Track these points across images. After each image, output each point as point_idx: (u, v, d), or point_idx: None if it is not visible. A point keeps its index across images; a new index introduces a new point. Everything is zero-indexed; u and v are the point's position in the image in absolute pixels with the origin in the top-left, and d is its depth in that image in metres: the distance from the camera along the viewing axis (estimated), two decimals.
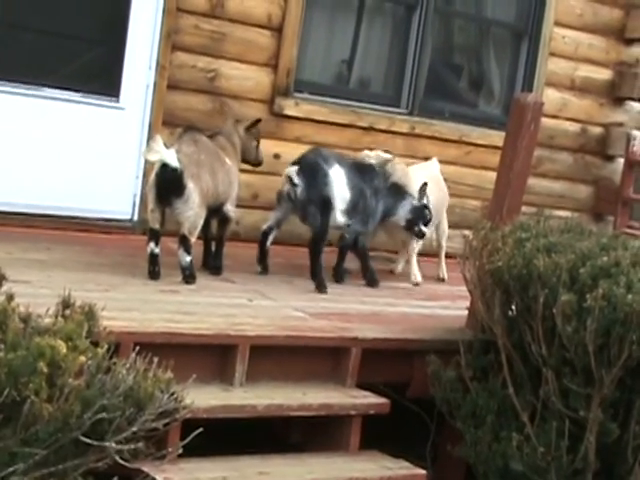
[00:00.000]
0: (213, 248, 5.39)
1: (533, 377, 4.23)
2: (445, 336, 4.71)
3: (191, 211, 4.84)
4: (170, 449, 3.40)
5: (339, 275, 5.74)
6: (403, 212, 5.85)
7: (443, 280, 6.34)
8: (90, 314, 3.35)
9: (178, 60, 6.28)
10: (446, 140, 7.29)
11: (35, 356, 2.65)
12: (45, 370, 2.63)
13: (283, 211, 5.58)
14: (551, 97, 7.81)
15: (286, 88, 6.66)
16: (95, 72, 6.19)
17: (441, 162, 7.23)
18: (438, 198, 6.22)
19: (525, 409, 4.20)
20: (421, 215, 5.86)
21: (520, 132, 4.89)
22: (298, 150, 6.58)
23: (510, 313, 4.33)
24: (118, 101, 6.10)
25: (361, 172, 5.72)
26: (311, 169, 5.48)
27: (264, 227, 5.60)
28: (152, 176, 4.89)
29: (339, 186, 5.53)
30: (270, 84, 6.63)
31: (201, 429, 3.30)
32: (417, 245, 6.08)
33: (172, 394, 3.04)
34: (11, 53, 5.82)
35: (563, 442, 4.02)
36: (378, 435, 4.38)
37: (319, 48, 7.04)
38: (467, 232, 4.80)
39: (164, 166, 4.77)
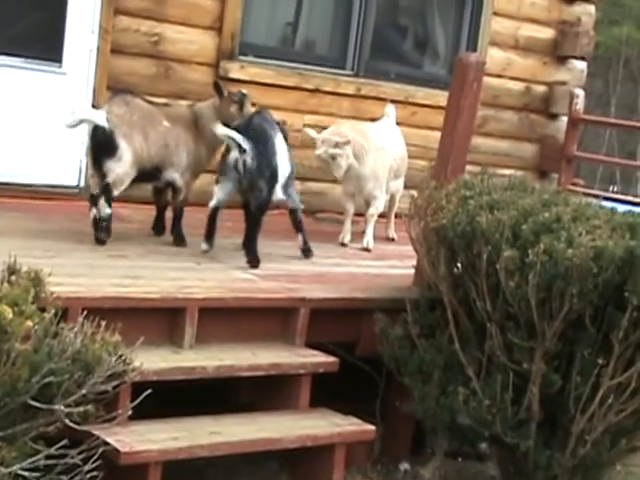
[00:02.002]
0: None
1: (479, 332, 4.31)
2: (392, 294, 4.77)
3: (121, 169, 4.86)
4: (120, 411, 3.43)
5: (308, 251, 5.44)
6: None
7: (392, 240, 6.38)
8: (36, 280, 3.35)
9: (121, 24, 6.23)
10: (392, 101, 7.30)
11: None
12: None
13: (231, 182, 5.02)
14: (495, 57, 7.89)
15: (231, 51, 6.64)
16: (36, 37, 6.10)
17: None
18: (399, 153, 6.27)
19: (471, 364, 4.29)
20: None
21: (463, 91, 4.94)
22: None
23: (455, 270, 4.40)
24: (61, 66, 6.05)
25: (285, 139, 5.31)
26: (259, 135, 5.01)
27: (212, 203, 5.07)
28: (87, 140, 4.94)
29: (282, 157, 5.15)
30: (215, 47, 6.61)
31: (150, 391, 3.32)
32: (376, 210, 6.04)
33: (120, 356, 3.07)
34: None
35: (507, 394, 4.12)
36: (328, 393, 4.45)
37: (264, 11, 7.01)
38: (414, 192, 4.86)
39: (96, 128, 4.79)
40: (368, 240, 6.00)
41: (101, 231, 4.89)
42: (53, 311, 3.07)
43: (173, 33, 6.44)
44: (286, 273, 4.99)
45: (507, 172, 7.85)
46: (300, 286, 4.71)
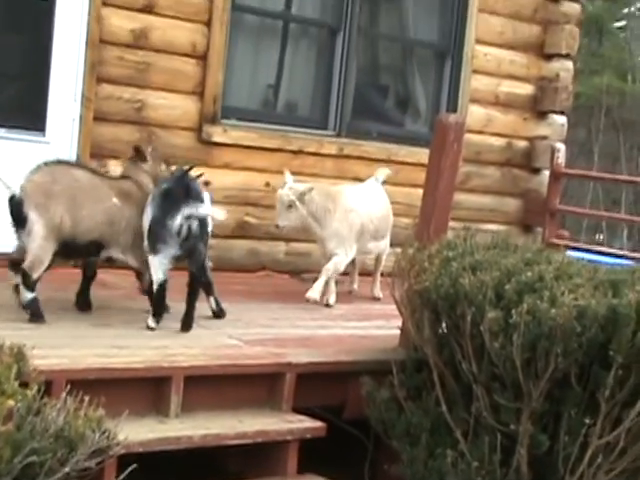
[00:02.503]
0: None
1: (465, 394, 4.30)
2: (378, 356, 4.76)
3: (34, 243, 4.58)
4: None
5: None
6: None
7: (378, 299, 6.38)
8: (20, 355, 3.34)
9: (104, 92, 6.29)
10: (374, 160, 7.37)
11: None
12: None
13: (173, 249, 4.75)
14: (476, 113, 7.99)
15: (213, 115, 6.70)
16: (19, 106, 6.18)
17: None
18: (378, 214, 6.27)
19: (458, 426, 4.27)
20: None
21: (444, 151, 4.98)
22: (228, 176, 6.68)
23: (440, 331, 4.40)
24: (44, 135, 6.09)
25: None
26: (197, 197, 4.81)
27: (161, 278, 4.77)
28: None
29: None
30: (197, 112, 6.67)
31: (135, 465, 3.30)
32: (333, 266, 5.93)
33: (104, 432, 3.05)
34: None
35: (495, 456, 4.10)
36: (316, 458, 4.42)
37: (245, 74, 7.09)
38: (399, 250, 4.88)
39: (12, 197, 4.59)
40: (315, 291, 5.79)
41: (33, 318, 4.59)
42: (36, 387, 3.06)
43: (156, 99, 6.50)
44: (272, 337, 4.98)
45: (492, 227, 7.96)
46: (286, 351, 4.70)
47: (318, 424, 4.43)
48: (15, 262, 4.70)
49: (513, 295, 4.10)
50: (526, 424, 4.07)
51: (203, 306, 5.51)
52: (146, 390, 4.19)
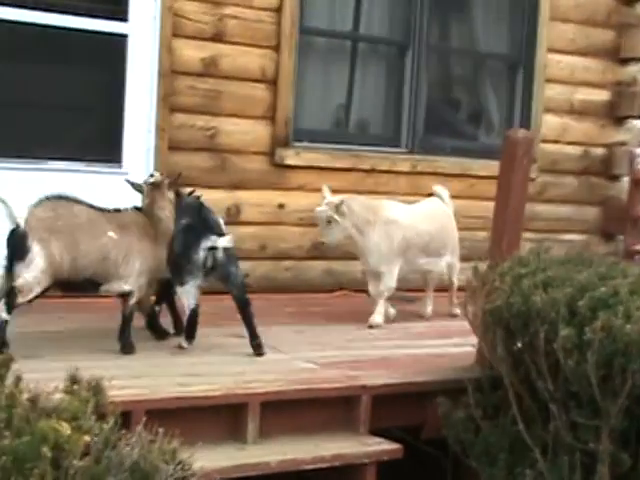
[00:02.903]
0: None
1: (543, 412, 4.25)
2: (455, 375, 4.73)
3: (31, 273, 4.49)
4: None
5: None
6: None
7: (455, 316, 6.35)
8: (97, 388, 3.42)
9: (177, 121, 6.41)
10: (448, 175, 7.36)
11: (39, 441, 2.73)
12: (49, 454, 2.70)
13: (200, 279, 4.91)
14: (551, 123, 7.91)
15: (285, 138, 6.77)
16: (96, 140, 6.34)
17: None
18: (433, 227, 6.18)
19: (537, 444, 4.23)
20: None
21: (513, 167, 4.95)
22: (302, 198, 6.73)
23: (515, 349, 4.37)
24: (121, 167, 6.23)
25: None
26: (214, 224, 5.01)
27: (193, 304, 4.91)
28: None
29: None
30: (269, 136, 6.75)
31: None
32: (385, 287, 5.88)
33: (178, 463, 3.11)
34: (11, 130, 5.97)
35: (575, 476, 4.05)
36: (395, 478, 4.44)
37: (315, 95, 7.15)
38: (479, 264, 4.86)
39: (14, 229, 4.51)
40: (374, 317, 5.83)
41: None
42: (112, 421, 3.13)
43: (228, 125, 6.60)
44: (348, 359, 5.00)
45: (571, 237, 7.87)
46: (361, 373, 4.71)
47: (395, 446, 4.44)
48: None
49: (587, 311, 4.05)
50: (606, 442, 4.02)
51: (282, 330, 5.59)
52: (224, 417, 4.25)
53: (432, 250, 6.17)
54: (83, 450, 2.92)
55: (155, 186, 5.08)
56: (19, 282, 4.49)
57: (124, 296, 4.84)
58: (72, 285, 4.76)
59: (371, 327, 5.79)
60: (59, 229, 4.60)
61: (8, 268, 4.54)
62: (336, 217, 5.74)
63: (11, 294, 4.50)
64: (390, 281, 5.91)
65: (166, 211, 5.04)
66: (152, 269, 4.90)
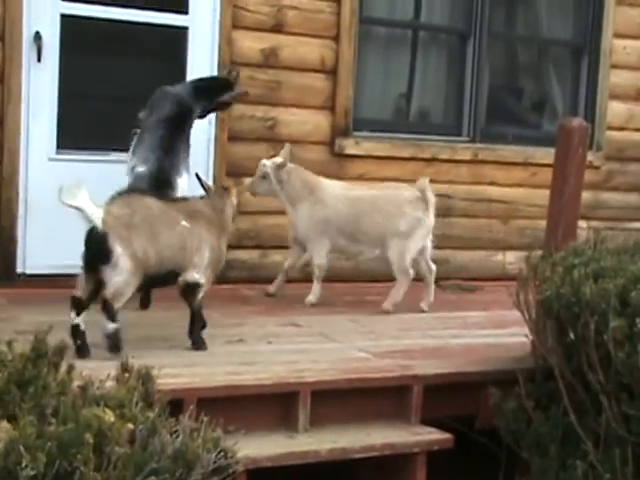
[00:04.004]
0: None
1: (595, 404, 4.21)
2: (507, 366, 4.72)
3: (119, 277, 4.40)
4: None
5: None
6: None
7: (423, 311, 6.03)
8: (146, 377, 3.50)
9: (237, 112, 6.47)
10: (510, 163, 7.31)
11: (83, 428, 2.82)
12: (91, 441, 2.79)
13: None
14: (617, 109, 7.80)
15: (345, 128, 6.80)
16: None
17: (508, 185, 7.30)
18: (359, 218, 5.98)
19: (588, 436, 4.19)
20: None
21: (568, 157, 4.91)
22: None
23: (568, 340, 4.34)
24: None
25: None
26: None
27: None
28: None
29: None
30: (329, 126, 6.78)
31: None
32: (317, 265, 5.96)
33: (220, 451, 3.17)
34: (75, 122, 6.11)
35: (627, 468, 4.00)
36: (448, 469, 4.45)
37: (375, 85, 7.15)
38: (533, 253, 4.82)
39: (92, 229, 4.40)
40: (309, 297, 5.95)
41: (112, 349, 4.41)
42: (157, 409, 3.21)
43: (287, 116, 6.65)
44: (401, 349, 5.02)
45: (638, 225, 7.75)
46: (414, 362, 4.73)
47: (446, 436, 4.45)
48: (78, 301, 4.49)
49: (638, 302, 4.00)
50: None
51: (337, 319, 5.64)
52: (275, 406, 4.31)
53: (359, 236, 6.01)
54: (128, 437, 3.01)
55: (227, 188, 5.13)
56: (109, 289, 4.40)
57: (192, 289, 4.73)
58: (158, 279, 4.68)
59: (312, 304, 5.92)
60: (137, 225, 4.52)
61: (89, 269, 4.46)
62: (272, 176, 5.90)
63: (107, 306, 4.41)
64: (317, 259, 5.97)
65: (228, 206, 5.03)
66: (216, 262, 4.85)
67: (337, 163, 6.79)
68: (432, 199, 6.01)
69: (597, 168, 7.58)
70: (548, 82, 7.82)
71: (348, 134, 6.81)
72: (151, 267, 4.53)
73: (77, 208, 4.40)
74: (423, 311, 6.01)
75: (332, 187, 6.06)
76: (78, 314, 4.46)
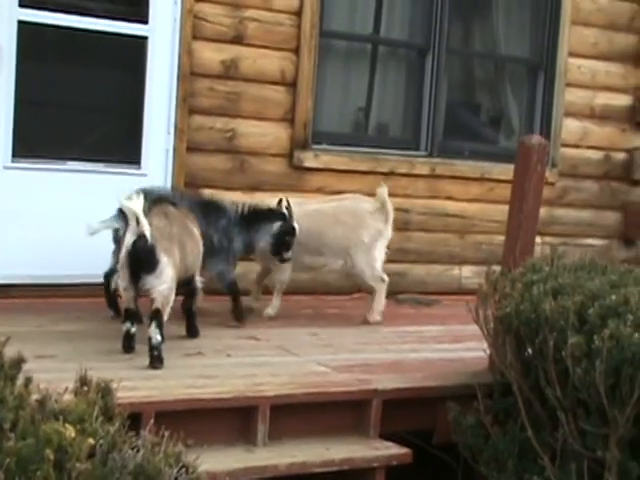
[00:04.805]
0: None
1: (552, 419, 4.25)
2: (466, 381, 4.75)
3: (165, 284, 4.60)
4: None
5: (240, 316, 5.68)
6: (265, 242, 5.72)
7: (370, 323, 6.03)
8: (106, 390, 3.46)
9: (196, 123, 6.45)
10: (467, 178, 7.37)
11: (43, 443, 2.77)
12: (52, 457, 2.74)
13: None
14: (571, 127, 7.90)
15: (304, 141, 6.80)
16: (115, 141, 6.39)
17: (464, 200, 7.36)
18: (334, 232, 6.01)
19: (545, 451, 4.22)
20: (281, 242, 5.70)
21: (527, 174, 4.95)
22: None
23: (526, 355, 4.37)
24: (140, 168, 6.29)
25: (205, 214, 5.54)
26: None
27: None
28: (123, 252, 4.62)
29: None
30: (288, 138, 6.78)
31: None
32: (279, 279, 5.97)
33: (182, 467, 3.14)
34: (31, 130, 6.04)
35: None
36: None
37: (335, 98, 7.18)
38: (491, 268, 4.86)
39: (136, 241, 4.53)
40: (267, 310, 5.98)
41: (155, 361, 4.53)
42: (118, 423, 3.17)
43: (247, 127, 6.63)
44: (360, 363, 5.03)
45: (591, 242, 7.85)
46: (373, 377, 4.74)
47: (404, 450, 4.45)
48: (132, 312, 4.73)
49: (596, 319, 4.04)
50: (614, 450, 4.01)
51: (296, 332, 5.63)
52: (234, 419, 4.28)
53: (323, 250, 6.04)
54: (88, 452, 2.97)
55: None
56: (158, 298, 4.57)
57: (194, 292, 5.08)
58: (181, 285, 4.87)
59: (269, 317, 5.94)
60: (174, 235, 4.74)
61: (133, 280, 4.61)
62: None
63: (157, 316, 4.56)
64: (280, 275, 5.97)
65: None
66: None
67: (296, 176, 6.79)
68: (391, 210, 6.03)
69: (552, 184, 7.66)
70: (505, 99, 7.90)
71: (307, 147, 6.81)
72: (182, 274, 4.80)
73: (132, 212, 4.52)
74: (368, 322, 6.00)
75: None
76: (132, 323, 4.74)
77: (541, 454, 4.22)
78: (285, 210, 5.72)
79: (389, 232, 6.05)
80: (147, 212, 4.68)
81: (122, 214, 4.88)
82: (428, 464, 4.74)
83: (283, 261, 5.79)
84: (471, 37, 7.85)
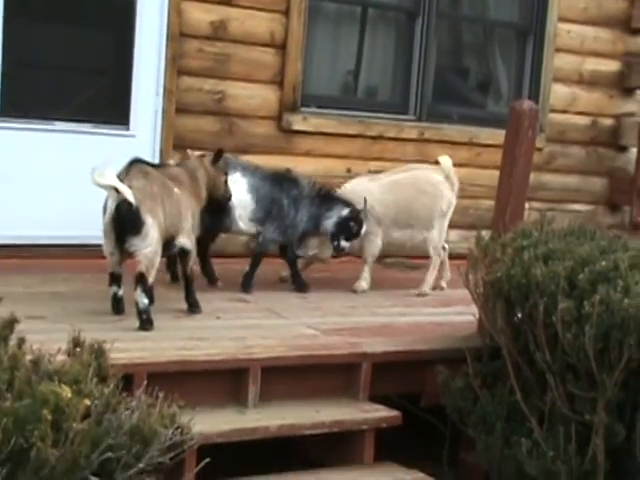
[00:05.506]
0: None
1: (540, 382, 4.30)
2: (455, 344, 4.78)
3: (150, 247, 4.54)
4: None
5: (247, 285, 5.64)
6: (329, 224, 5.75)
7: (442, 289, 6.21)
8: (99, 351, 3.47)
9: (185, 84, 6.41)
10: (456, 143, 7.36)
11: (39, 403, 2.78)
12: (49, 417, 2.75)
13: None
14: (559, 92, 7.90)
15: (293, 104, 6.77)
16: (104, 102, 6.36)
17: (453, 165, 7.33)
18: (420, 202, 6.06)
19: (533, 414, 4.27)
20: (343, 228, 5.72)
21: (518, 139, 4.96)
22: (309, 164, 6.73)
23: (515, 319, 4.40)
24: (128, 129, 6.25)
25: (277, 182, 5.66)
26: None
27: None
28: (107, 216, 4.55)
29: (238, 193, 5.47)
30: (277, 101, 6.75)
31: (208, 459, 3.41)
32: (371, 253, 5.97)
33: (177, 428, 3.16)
34: (20, 90, 5.99)
35: (571, 446, 4.10)
36: (395, 445, 4.49)
37: (324, 61, 7.14)
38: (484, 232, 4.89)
39: (120, 204, 4.47)
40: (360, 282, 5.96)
41: (144, 324, 4.53)
42: (113, 384, 3.18)
43: (236, 89, 6.60)
44: (350, 326, 5.05)
45: (577, 207, 7.89)
46: (362, 340, 4.76)
47: (394, 413, 4.49)
48: (117, 276, 4.71)
49: (586, 285, 4.08)
50: (601, 414, 4.06)
51: (284, 295, 5.64)
52: (225, 381, 4.31)
53: (406, 223, 6.08)
54: (84, 413, 2.98)
55: (202, 155, 5.23)
56: (143, 261, 4.52)
57: (184, 255, 4.91)
58: (165, 247, 4.75)
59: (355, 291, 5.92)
60: (156, 194, 4.65)
61: (118, 242, 4.57)
62: None
63: (142, 280, 4.53)
64: (370, 248, 5.96)
65: (202, 174, 5.13)
66: (195, 228, 4.99)
67: (284, 139, 6.77)
68: (456, 180, 6.19)
69: (539, 150, 7.66)
70: (493, 63, 7.89)
71: (296, 110, 6.79)
72: (166, 235, 4.69)
73: (110, 187, 4.47)
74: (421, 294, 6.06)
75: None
76: (119, 286, 4.72)
77: (529, 417, 4.27)
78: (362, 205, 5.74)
79: (454, 202, 6.17)
80: (125, 174, 4.63)
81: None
82: (417, 426, 4.78)
83: (337, 249, 5.77)
84: (461, 1, 7.81)
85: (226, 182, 5.30)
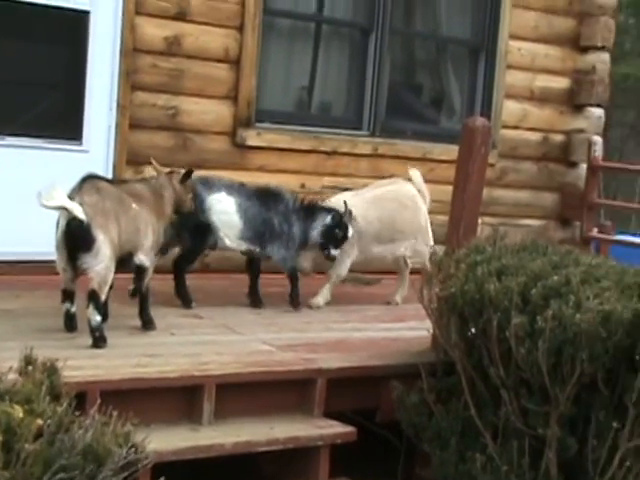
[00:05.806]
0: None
1: (494, 397, 4.32)
2: (409, 360, 4.80)
3: (102, 264, 4.51)
4: None
5: (296, 302, 5.81)
6: (315, 235, 5.79)
7: (397, 304, 6.25)
8: (52, 369, 3.43)
9: (138, 99, 6.38)
10: (409, 158, 7.39)
11: None
12: (0, 438, 2.72)
13: None
14: (511, 108, 7.99)
15: (247, 119, 6.77)
16: (56, 117, 6.29)
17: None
18: (399, 215, 6.14)
19: (488, 429, 4.30)
20: (330, 236, 5.77)
21: (471, 156, 5.00)
22: (263, 179, 6.69)
23: (469, 334, 4.43)
24: (81, 144, 6.21)
25: (263, 201, 5.70)
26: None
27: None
28: (58, 233, 4.53)
29: (223, 214, 5.54)
30: (231, 116, 6.74)
31: (162, 478, 3.38)
32: (338, 273, 5.98)
33: (131, 447, 3.13)
34: None
35: (524, 460, 4.13)
36: (350, 461, 4.49)
37: (278, 77, 7.15)
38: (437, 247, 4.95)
39: (70, 221, 4.44)
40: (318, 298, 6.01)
41: (97, 341, 4.50)
42: (65, 403, 3.15)
43: (190, 105, 6.59)
44: (304, 342, 5.05)
45: (529, 222, 7.97)
46: (317, 356, 4.76)
47: (349, 429, 4.49)
48: (70, 293, 4.69)
49: (539, 300, 4.12)
50: (554, 428, 4.10)
51: (239, 311, 5.62)
52: (179, 399, 4.28)
53: (389, 237, 6.17)
54: (36, 433, 2.94)
55: (170, 172, 5.18)
56: (95, 278, 4.50)
57: (140, 272, 4.87)
58: (120, 263, 4.70)
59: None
60: (108, 210, 4.59)
61: (70, 259, 4.55)
62: None
63: (94, 296, 4.51)
64: (338, 268, 6.00)
65: (168, 191, 5.08)
66: (156, 245, 4.94)
67: (239, 154, 6.77)
68: (427, 193, 6.30)
69: (491, 166, 7.73)
70: (446, 80, 7.96)
71: (250, 125, 6.79)
72: (119, 250, 4.64)
73: (59, 208, 4.44)
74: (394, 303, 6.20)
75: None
76: (72, 302, 4.70)
77: (483, 432, 4.30)
78: (343, 209, 5.77)
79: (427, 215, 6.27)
80: (77, 190, 4.58)
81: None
82: (372, 442, 4.78)
83: (329, 258, 5.82)
84: (414, 18, 7.87)
85: (193, 200, 5.25)
